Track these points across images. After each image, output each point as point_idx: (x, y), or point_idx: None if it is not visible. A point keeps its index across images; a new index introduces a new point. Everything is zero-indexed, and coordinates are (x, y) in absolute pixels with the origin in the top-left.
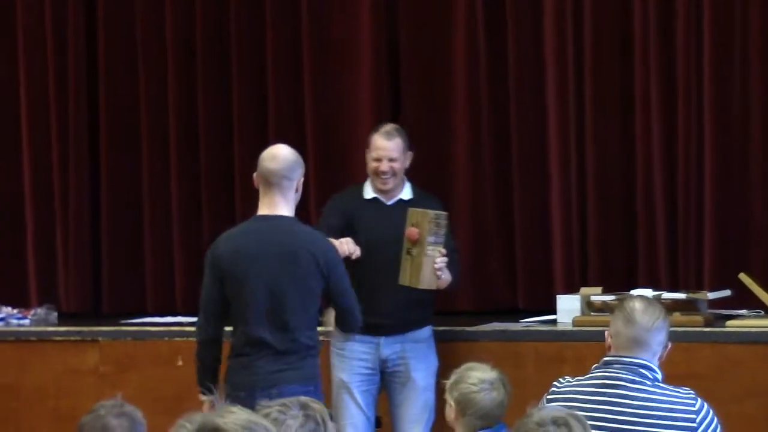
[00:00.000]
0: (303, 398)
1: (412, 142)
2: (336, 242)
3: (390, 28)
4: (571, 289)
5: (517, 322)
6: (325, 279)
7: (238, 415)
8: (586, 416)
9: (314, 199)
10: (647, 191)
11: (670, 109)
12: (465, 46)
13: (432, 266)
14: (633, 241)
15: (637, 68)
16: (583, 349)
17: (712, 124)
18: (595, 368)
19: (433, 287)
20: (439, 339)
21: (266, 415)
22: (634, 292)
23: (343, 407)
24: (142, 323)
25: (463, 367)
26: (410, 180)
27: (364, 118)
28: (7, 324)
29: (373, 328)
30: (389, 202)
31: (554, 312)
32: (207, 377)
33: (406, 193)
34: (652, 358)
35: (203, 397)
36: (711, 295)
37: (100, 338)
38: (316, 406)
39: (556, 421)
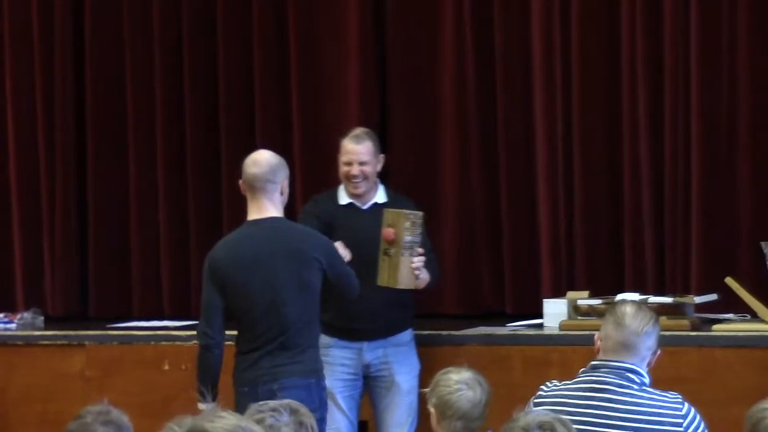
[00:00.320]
0: (293, 403)
1: (399, 145)
2: None
3: (377, 30)
4: (558, 294)
5: (504, 326)
6: (322, 270)
7: (227, 420)
8: (572, 420)
9: (301, 201)
10: (634, 196)
11: (657, 113)
12: (453, 46)
13: (409, 266)
14: (620, 245)
15: (624, 73)
16: (570, 353)
17: (699, 129)
18: (583, 372)
19: (412, 287)
20: (426, 343)
21: (260, 421)
22: (621, 296)
23: (327, 413)
24: (129, 327)
25: (439, 372)
26: (398, 182)
27: (350, 121)
28: None
29: (355, 333)
30: (364, 207)
31: (541, 316)
32: (206, 382)
33: (381, 196)
34: (640, 363)
35: (200, 405)
36: (698, 299)
37: (86, 342)
38: (305, 410)
39: (542, 426)
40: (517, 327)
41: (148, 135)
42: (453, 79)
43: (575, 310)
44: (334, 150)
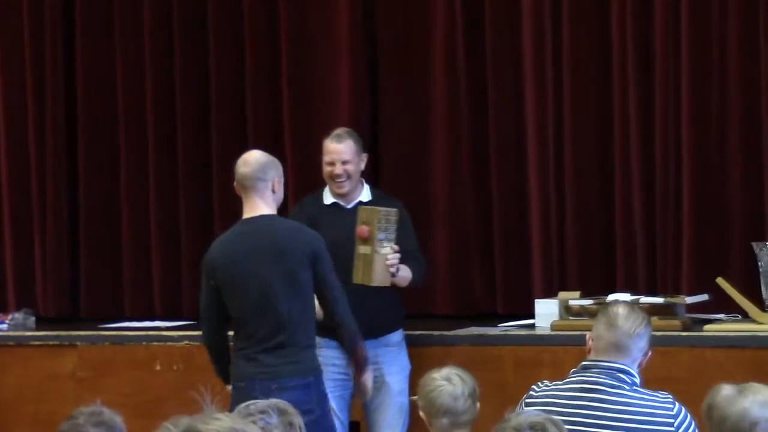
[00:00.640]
0: (280, 403)
1: (390, 146)
2: None
3: (368, 30)
4: (550, 294)
5: (496, 326)
6: (312, 268)
7: (222, 422)
8: (564, 421)
9: (292, 201)
10: (625, 196)
11: (648, 114)
12: (444, 47)
13: (384, 263)
14: (611, 245)
15: (614, 75)
16: (562, 353)
17: (690, 128)
18: (574, 372)
19: (387, 284)
20: (418, 343)
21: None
22: (612, 296)
23: None
24: (121, 328)
25: (425, 375)
26: (389, 183)
27: (341, 122)
28: None
29: None
30: (349, 206)
31: (532, 316)
32: (221, 377)
33: (365, 195)
34: (632, 363)
35: (228, 387)
36: (689, 300)
37: (78, 343)
38: (292, 410)
39: (533, 426)
40: (509, 327)
41: (139, 136)
42: (444, 80)
43: (566, 310)
44: None
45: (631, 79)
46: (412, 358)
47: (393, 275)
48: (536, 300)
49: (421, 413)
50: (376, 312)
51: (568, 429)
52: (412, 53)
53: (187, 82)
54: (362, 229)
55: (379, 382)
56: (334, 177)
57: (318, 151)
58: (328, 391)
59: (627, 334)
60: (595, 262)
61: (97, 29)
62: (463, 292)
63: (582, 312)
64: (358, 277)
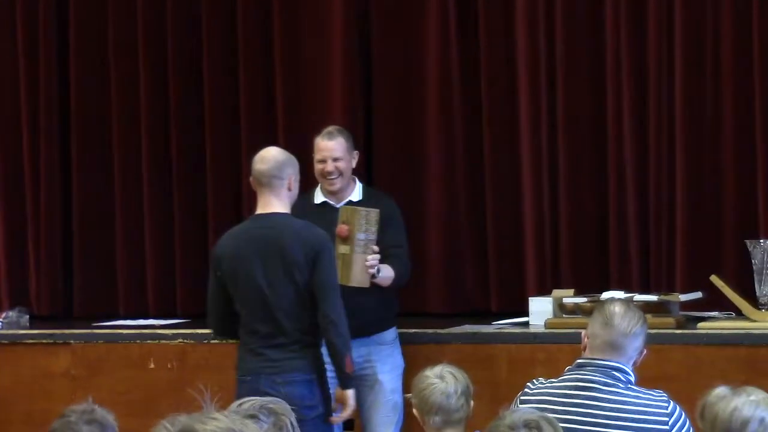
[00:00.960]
0: (270, 404)
1: (384, 144)
2: None
3: (361, 27)
4: (544, 292)
5: (490, 324)
6: (311, 267)
7: (219, 422)
8: (558, 419)
9: None
10: (619, 194)
11: (642, 111)
12: (437, 44)
13: (363, 264)
14: (605, 243)
15: (608, 72)
16: (556, 351)
17: (684, 127)
18: (568, 370)
19: (366, 285)
20: (411, 341)
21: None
22: (606, 294)
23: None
24: (114, 326)
25: (419, 373)
26: (382, 180)
27: (334, 120)
28: None
29: None
30: (338, 205)
31: (526, 314)
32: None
33: (356, 194)
34: (627, 362)
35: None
36: (682, 297)
37: (72, 341)
38: (281, 409)
39: (528, 424)
40: (503, 325)
41: (132, 134)
42: (438, 77)
43: (561, 308)
44: None
45: (625, 76)
46: (405, 356)
47: (373, 276)
48: (530, 298)
49: (414, 411)
50: (368, 310)
51: (562, 427)
52: (405, 49)
53: (180, 82)
54: (342, 229)
55: (372, 380)
56: (325, 174)
57: (311, 150)
58: None
59: (623, 334)
60: (588, 260)
61: (90, 29)
62: (457, 290)
63: (576, 310)
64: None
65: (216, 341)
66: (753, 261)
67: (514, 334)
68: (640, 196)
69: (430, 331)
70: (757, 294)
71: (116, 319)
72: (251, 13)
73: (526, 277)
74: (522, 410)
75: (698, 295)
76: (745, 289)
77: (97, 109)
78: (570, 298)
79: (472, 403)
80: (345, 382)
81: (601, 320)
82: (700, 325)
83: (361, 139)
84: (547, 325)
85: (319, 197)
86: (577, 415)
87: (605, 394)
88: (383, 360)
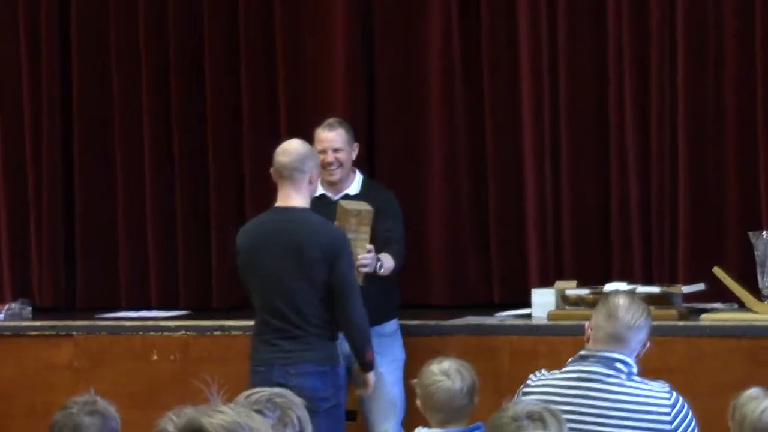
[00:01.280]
0: (277, 397)
1: (386, 136)
2: None
3: (364, 19)
4: (546, 283)
5: (492, 316)
6: (329, 267)
7: (226, 416)
8: (561, 410)
9: None
10: (622, 185)
11: (644, 103)
12: (440, 35)
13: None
14: (607, 234)
15: (611, 64)
16: (558, 343)
17: (686, 118)
18: (571, 362)
19: (358, 282)
20: (413, 333)
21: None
22: (609, 286)
23: None
24: (117, 318)
25: (426, 363)
26: (384, 172)
27: (336, 113)
28: None
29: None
30: (335, 197)
31: (529, 306)
32: None
33: (354, 187)
34: (630, 354)
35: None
36: (685, 289)
37: (74, 333)
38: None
39: (531, 416)
40: (505, 317)
41: (134, 126)
42: (440, 69)
43: (563, 299)
44: None
45: (627, 66)
46: (408, 348)
47: (375, 272)
48: (533, 289)
49: (418, 402)
50: (369, 302)
51: (565, 419)
52: (407, 42)
53: (182, 75)
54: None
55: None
56: (325, 165)
57: (313, 144)
58: None
59: (627, 326)
60: (591, 252)
61: (92, 29)
62: (460, 281)
63: (579, 302)
64: None
65: (218, 333)
66: (756, 252)
67: (517, 325)
68: (643, 187)
69: (432, 322)
70: (760, 285)
71: (118, 311)
72: (253, 12)
73: (528, 269)
74: (525, 402)
75: (701, 286)
76: (747, 280)
77: (99, 101)
78: (573, 289)
79: (476, 398)
80: (365, 367)
81: (605, 312)
82: (703, 316)
83: (363, 132)
84: (549, 316)
85: (318, 189)
86: (579, 407)
87: (608, 385)
88: (383, 352)
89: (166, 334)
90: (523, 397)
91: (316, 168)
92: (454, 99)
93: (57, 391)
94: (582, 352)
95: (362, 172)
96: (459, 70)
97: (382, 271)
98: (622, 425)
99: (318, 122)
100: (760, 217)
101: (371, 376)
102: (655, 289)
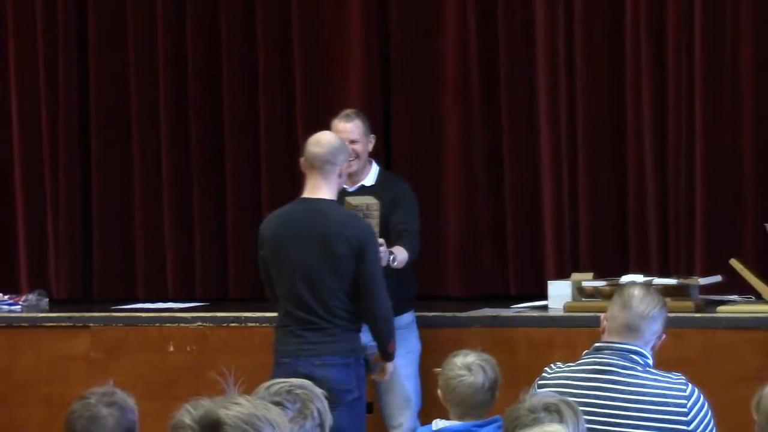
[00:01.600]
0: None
1: (402, 128)
2: None
3: (380, 12)
4: (563, 275)
5: (509, 307)
6: (356, 261)
7: (242, 407)
8: (577, 402)
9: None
10: (638, 177)
11: (661, 94)
12: (456, 27)
13: None
14: (624, 226)
15: (628, 58)
16: (575, 334)
17: (703, 109)
18: (587, 354)
19: None
20: (430, 325)
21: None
22: (626, 277)
23: None
24: (134, 309)
25: (451, 354)
26: (400, 164)
27: (353, 104)
28: None
29: None
30: (351, 189)
31: (545, 298)
32: None
33: (370, 178)
34: (644, 345)
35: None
36: (702, 281)
37: (91, 324)
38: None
39: (547, 408)
40: (522, 309)
41: (151, 117)
42: (456, 61)
43: (580, 291)
44: None
45: (644, 61)
46: (424, 339)
47: (388, 264)
48: (549, 281)
49: (438, 391)
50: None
51: (581, 411)
52: (423, 33)
53: (199, 71)
54: None
55: None
56: None
57: None
58: None
59: (640, 316)
60: (607, 244)
61: (110, 22)
62: (476, 273)
63: (595, 293)
64: None
65: (235, 324)
66: None
67: (533, 317)
68: (660, 179)
69: (449, 314)
70: None
71: (135, 302)
72: (269, 4)
73: (545, 261)
74: (542, 394)
75: (718, 278)
76: (764, 272)
77: (116, 93)
78: (589, 281)
79: (498, 394)
80: (386, 357)
81: (620, 303)
82: (720, 308)
83: (379, 123)
84: (566, 308)
85: None
86: (595, 399)
87: (623, 377)
88: (398, 344)
89: (182, 325)
90: (539, 389)
91: (346, 162)
92: (471, 90)
93: (74, 383)
94: (597, 344)
95: (378, 163)
96: (475, 60)
97: (395, 264)
98: (637, 417)
99: (335, 113)
100: None
101: (390, 366)
102: (671, 281)
